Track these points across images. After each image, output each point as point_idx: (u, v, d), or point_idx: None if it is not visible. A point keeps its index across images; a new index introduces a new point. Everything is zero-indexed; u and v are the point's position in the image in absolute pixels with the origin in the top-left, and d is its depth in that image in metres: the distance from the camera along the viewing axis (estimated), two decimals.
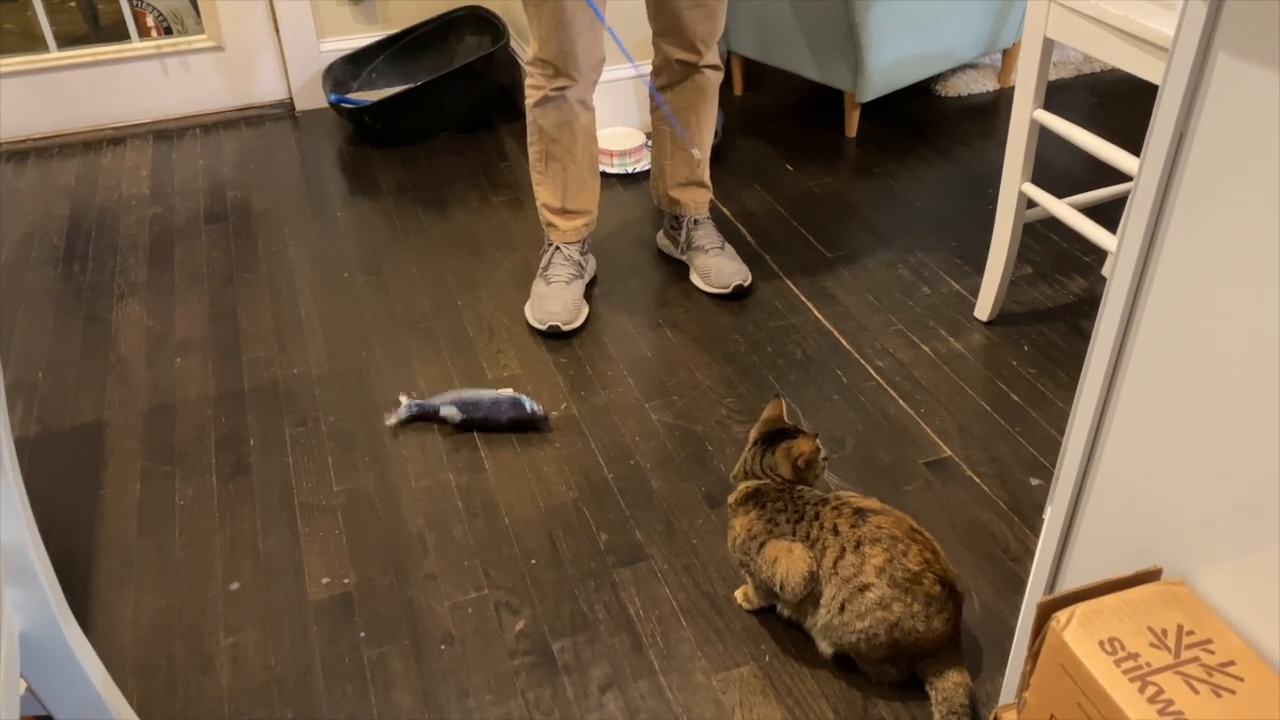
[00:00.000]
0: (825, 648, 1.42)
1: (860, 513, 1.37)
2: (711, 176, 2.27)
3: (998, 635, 1.48)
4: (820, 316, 2.16)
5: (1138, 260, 0.87)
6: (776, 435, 1.48)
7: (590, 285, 2.26)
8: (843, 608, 1.35)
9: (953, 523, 1.66)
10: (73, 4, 3.03)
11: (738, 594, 1.55)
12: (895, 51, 2.71)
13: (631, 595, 1.57)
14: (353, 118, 2.90)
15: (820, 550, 1.37)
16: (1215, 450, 0.84)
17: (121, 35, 3.00)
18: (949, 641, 1.36)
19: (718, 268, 2.22)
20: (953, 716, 1.33)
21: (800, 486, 1.44)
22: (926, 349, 2.05)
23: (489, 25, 3.04)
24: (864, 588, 1.33)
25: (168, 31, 3.05)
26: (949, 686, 1.35)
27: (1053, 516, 1.04)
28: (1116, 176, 2.06)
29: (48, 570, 1.10)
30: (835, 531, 1.36)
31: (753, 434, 1.51)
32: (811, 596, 1.38)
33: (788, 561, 1.38)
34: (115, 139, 3.00)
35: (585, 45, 1.94)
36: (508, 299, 2.24)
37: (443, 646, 1.50)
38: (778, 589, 1.41)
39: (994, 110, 3.00)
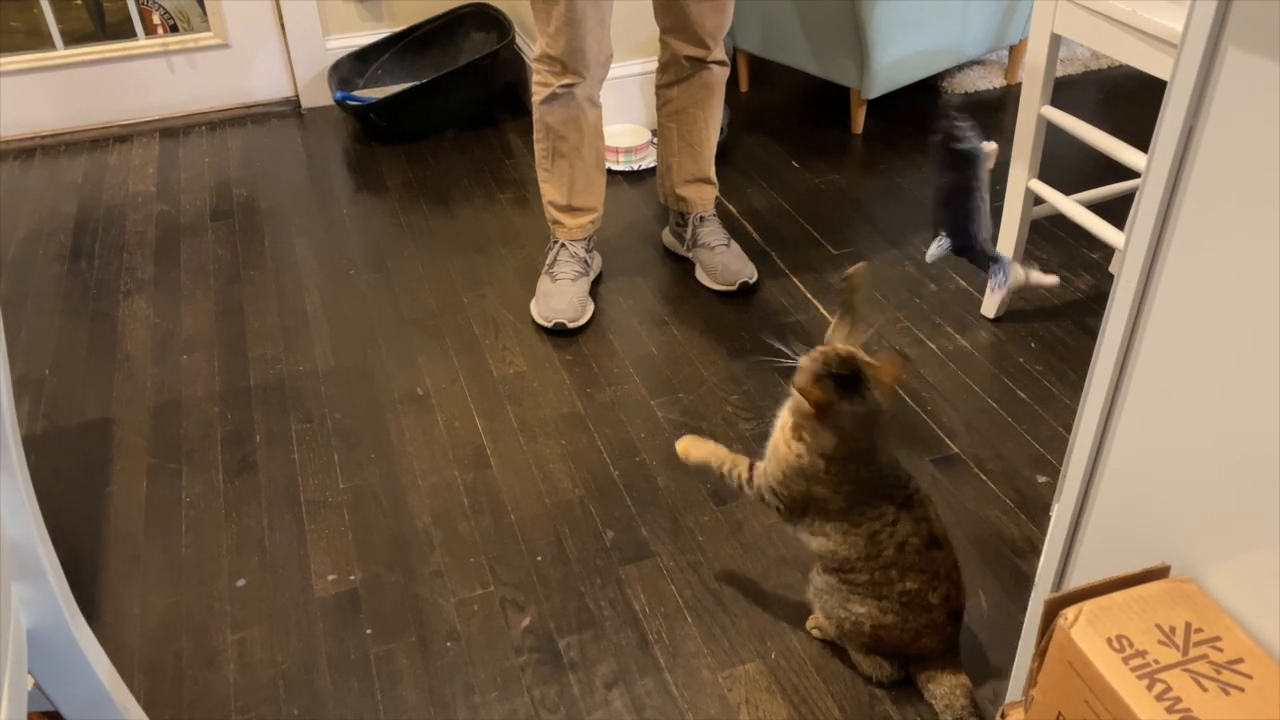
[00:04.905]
0: (816, 616, 1.44)
1: (933, 542, 1.31)
2: (717, 173, 2.26)
3: (1004, 633, 1.47)
4: (826, 314, 2.15)
5: (1145, 257, 0.87)
6: (853, 385, 1.22)
7: (596, 282, 2.26)
8: (851, 589, 1.34)
9: (959, 520, 1.66)
10: (79, 1, 3.03)
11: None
12: (901, 48, 2.71)
13: (637, 592, 1.57)
14: (358, 115, 2.90)
15: (875, 552, 1.29)
16: (1223, 447, 0.84)
17: (128, 33, 3.01)
18: (940, 654, 1.37)
19: (723, 265, 2.21)
20: None
21: (899, 468, 1.32)
22: (933, 346, 2.04)
23: (494, 22, 3.04)
24: (880, 597, 1.33)
25: (174, 29, 3.05)
26: (945, 692, 1.34)
27: (1059, 513, 1.04)
28: (1124, 173, 2.05)
29: (55, 567, 1.11)
30: (901, 548, 1.29)
31: (827, 418, 1.23)
32: (834, 561, 1.33)
33: (823, 542, 1.33)
34: (122, 136, 3.01)
35: (595, 42, 1.93)
36: (513, 296, 2.24)
37: (449, 643, 1.50)
38: (792, 532, 1.37)
39: (1001, 107, 2.99)
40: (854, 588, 1.34)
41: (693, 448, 1.47)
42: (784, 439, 1.31)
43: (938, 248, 1.50)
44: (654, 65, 2.19)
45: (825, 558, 1.35)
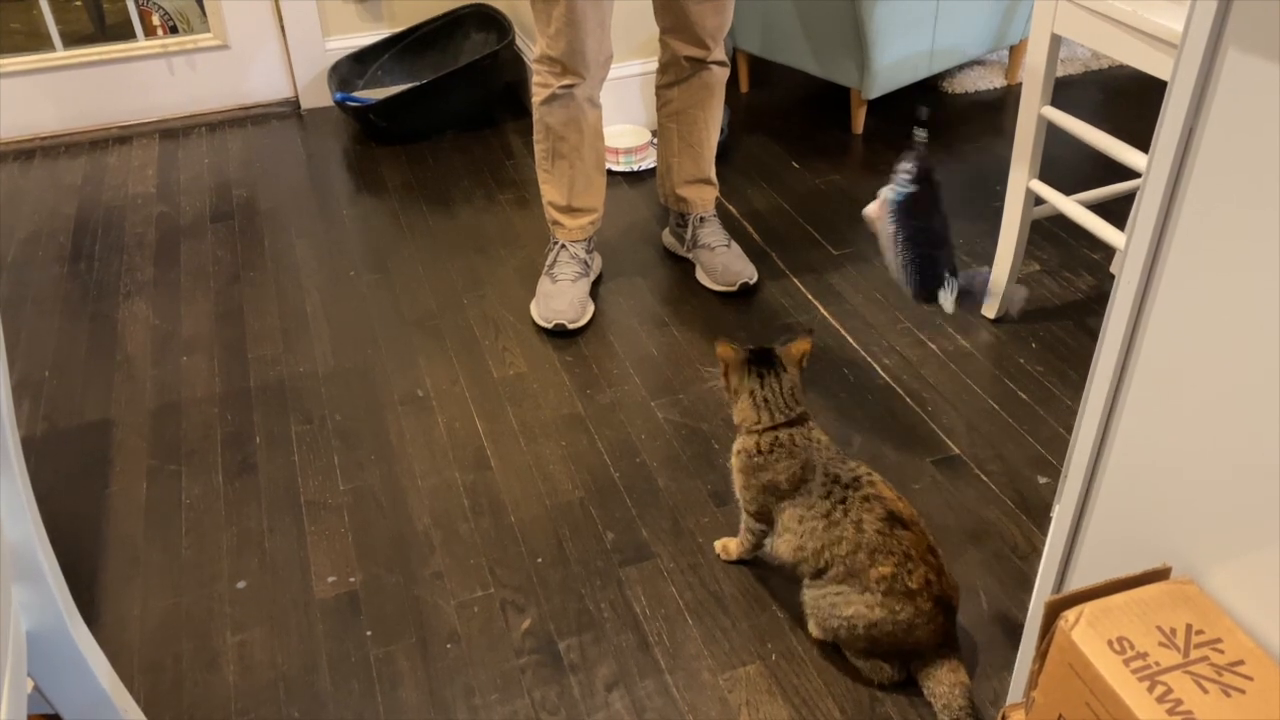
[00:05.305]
0: (813, 627, 1.45)
1: (892, 520, 1.34)
2: (717, 174, 2.26)
3: (1005, 634, 1.47)
4: (827, 314, 2.15)
5: (1146, 257, 0.86)
6: (762, 357, 1.45)
7: (596, 283, 2.26)
8: (836, 593, 1.37)
9: (960, 521, 1.66)
10: (79, 3, 3.03)
11: (717, 544, 1.61)
12: (901, 48, 2.70)
13: (638, 594, 1.57)
14: (358, 116, 2.90)
15: (836, 536, 1.36)
16: (1224, 448, 0.84)
17: (127, 34, 3.01)
18: (938, 646, 1.37)
19: (724, 265, 2.21)
20: None
21: (846, 458, 1.43)
22: (934, 347, 2.04)
23: (494, 23, 3.04)
24: (862, 589, 1.34)
25: (173, 30, 3.05)
26: (945, 691, 1.35)
27: (1060, 515, 1.04)
28: (1125, 173, 2.05)
29: (54, 569, 1.11)
30: (859, 527, 1.35)
31: (733, 379, 1.47)
32: (809, 563, 1.40)
33: (789, 539, 1.42)
34: (121, 138, 3.01)
35: (595, 43, 1.93)
36: (513, 297, 2.24)
37: (449, 645, 1.50)
38: (770, 548, 1.47)
39: (1001, 107, 2.99)
40: (837, 591, 1.36)
41: (731, 547, 1.60)
42: (733, 452, 1.48)
43: (949, 292, 1.46)
44: (654, 65, 2.19)
45: (799, 561, 1.41)
